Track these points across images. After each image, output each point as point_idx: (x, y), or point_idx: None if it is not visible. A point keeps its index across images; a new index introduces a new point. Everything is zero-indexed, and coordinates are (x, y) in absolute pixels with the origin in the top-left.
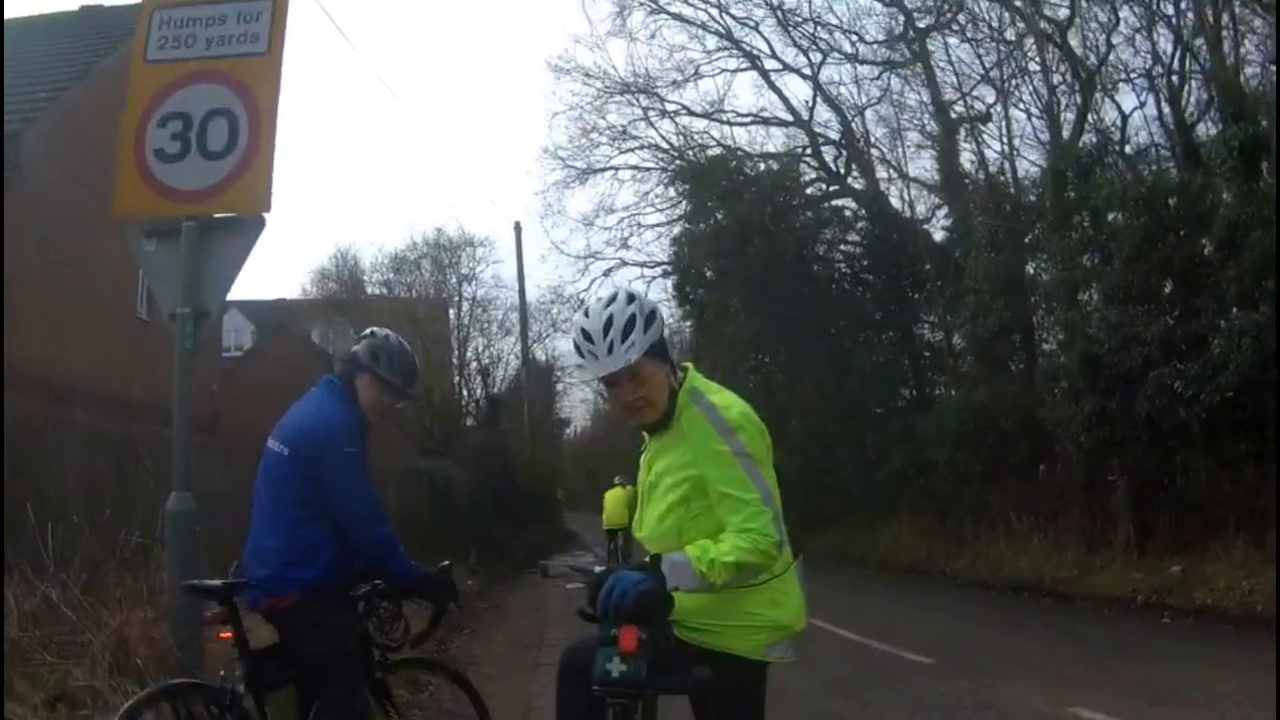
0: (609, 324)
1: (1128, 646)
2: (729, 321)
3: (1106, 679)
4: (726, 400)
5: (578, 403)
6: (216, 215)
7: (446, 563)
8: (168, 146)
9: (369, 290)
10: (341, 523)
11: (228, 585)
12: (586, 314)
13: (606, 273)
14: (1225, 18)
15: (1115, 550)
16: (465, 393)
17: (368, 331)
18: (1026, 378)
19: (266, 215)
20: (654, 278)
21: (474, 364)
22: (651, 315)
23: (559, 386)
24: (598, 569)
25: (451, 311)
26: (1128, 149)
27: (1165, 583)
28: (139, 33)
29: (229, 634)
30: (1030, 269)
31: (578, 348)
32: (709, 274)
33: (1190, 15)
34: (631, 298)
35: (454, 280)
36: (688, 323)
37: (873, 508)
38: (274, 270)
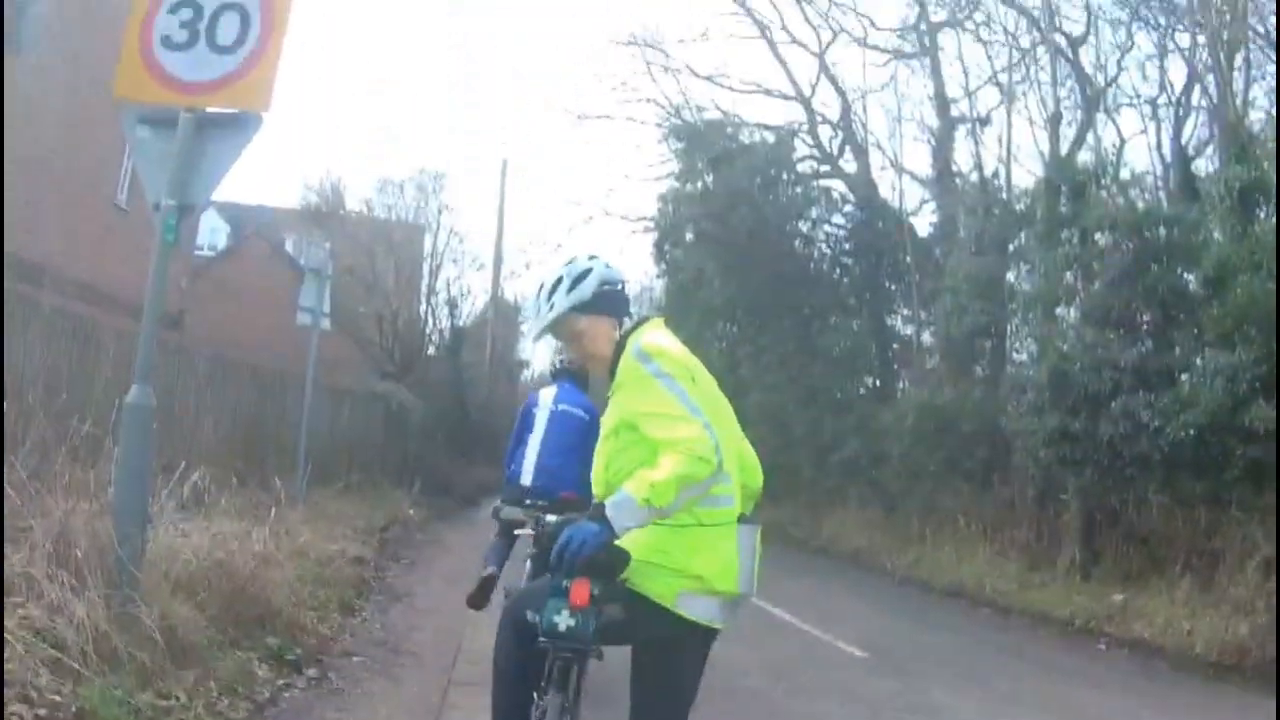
0: (540, 288)
1: (1061, 668)
2: (703, 286)
3: (1038, 698)
4: (652, 337)
5: (539, 345)
6: (215, 109)
7: None
8: (175, 34)
9: (349, 206)
10: None
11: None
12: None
13: (588, 219)
14: (1239, 58)
15: (1059, 570)
16: (431, 321)
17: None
18: (993, 384)
19: (265, 115)
20: (635, 232)
21: (443, 294)
22: (579, 275)
23: (523, 327)
24: (551, 518)
25: (428, 238)
26: (1123, 173)
27: (1105, 610)
28: None
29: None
30: (1011, 276)
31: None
32: (689, 236)
33: (1205, 51)
34: (570, 261)
35: (434, 207)
36: (662, 280)
37: (821, 493)
38: (256, 175)
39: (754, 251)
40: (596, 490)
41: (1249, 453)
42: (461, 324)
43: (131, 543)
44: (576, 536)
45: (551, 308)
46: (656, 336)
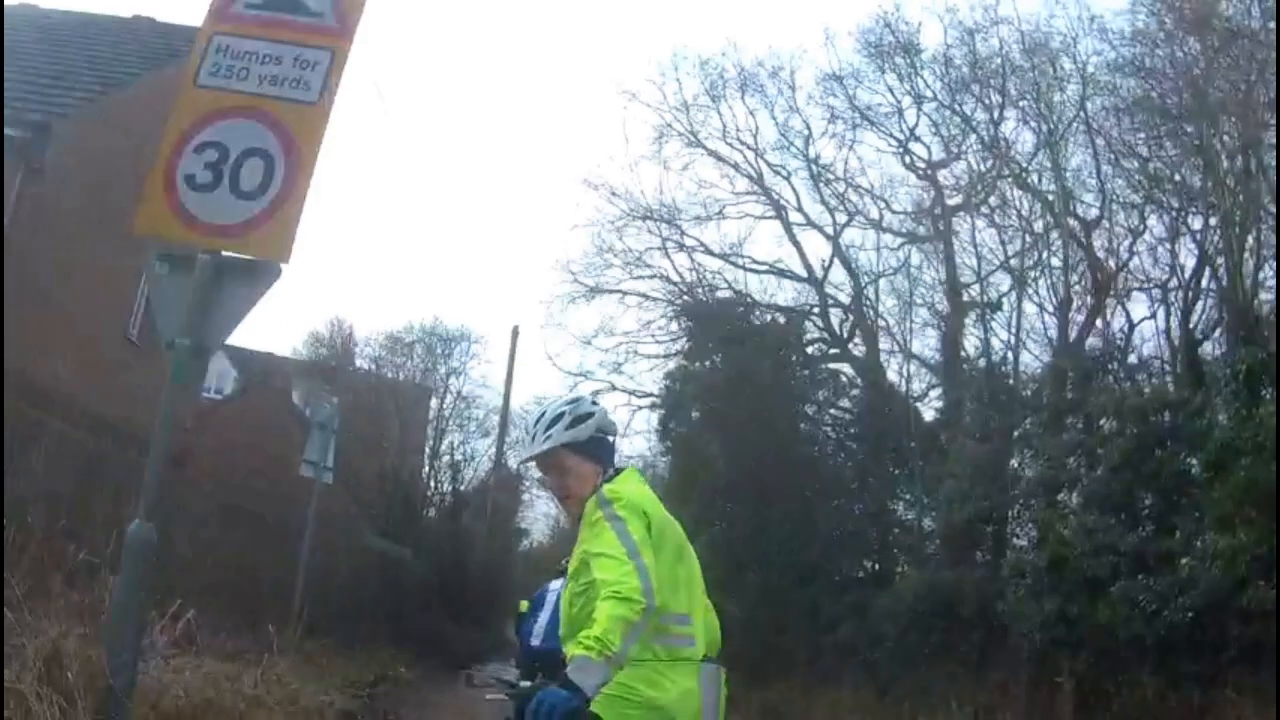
0: (542, 415)
1: None
2: (706, 465)
3: None
4: (617, 484)
5: (540, 515)
6: (234, 254)
7: None
8: (199, 175)
9: (358, 363)
10: None
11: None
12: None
13: (595, 394)
14: (1250, 239)
15: None
16: (433, 484)
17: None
18: (992, 568)
19: (284, 265)
20: (640, 408)
21: (446, 457)
22: (582, 416)
23: (525, 496)
24: (524, 684)
25: (434, 401)
26: (1131, 358)
27: None
28: (194, 54)
29: None
30: (1015, 462)
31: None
32: (695, 414)
33: (1216, 233)
34: (576, 400)
35: (442, 370)
36: (666, 458)
37: (814, 674)
38: (266, 322)
39: (759, 433)
40: (562, 630)
41: (1247, 633)
42: (463, 489)
43: (124, 672)
44: (547, 700)
45: (549, 439)
46: (621, 484)
